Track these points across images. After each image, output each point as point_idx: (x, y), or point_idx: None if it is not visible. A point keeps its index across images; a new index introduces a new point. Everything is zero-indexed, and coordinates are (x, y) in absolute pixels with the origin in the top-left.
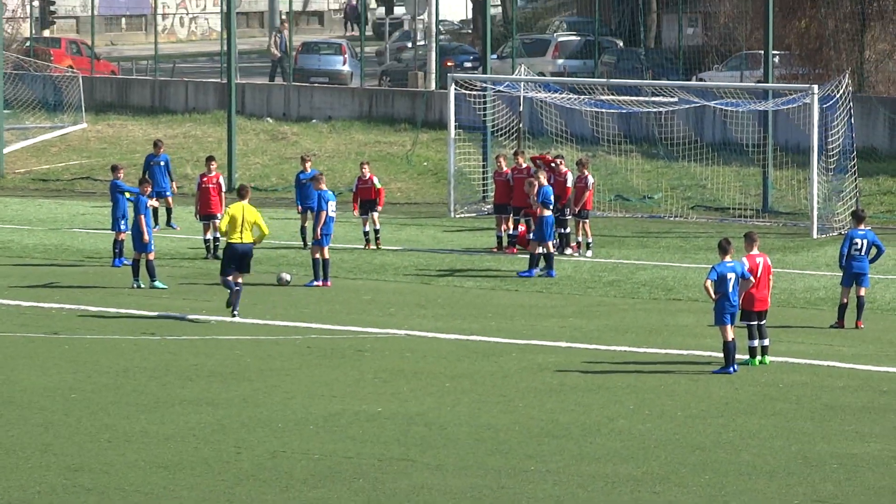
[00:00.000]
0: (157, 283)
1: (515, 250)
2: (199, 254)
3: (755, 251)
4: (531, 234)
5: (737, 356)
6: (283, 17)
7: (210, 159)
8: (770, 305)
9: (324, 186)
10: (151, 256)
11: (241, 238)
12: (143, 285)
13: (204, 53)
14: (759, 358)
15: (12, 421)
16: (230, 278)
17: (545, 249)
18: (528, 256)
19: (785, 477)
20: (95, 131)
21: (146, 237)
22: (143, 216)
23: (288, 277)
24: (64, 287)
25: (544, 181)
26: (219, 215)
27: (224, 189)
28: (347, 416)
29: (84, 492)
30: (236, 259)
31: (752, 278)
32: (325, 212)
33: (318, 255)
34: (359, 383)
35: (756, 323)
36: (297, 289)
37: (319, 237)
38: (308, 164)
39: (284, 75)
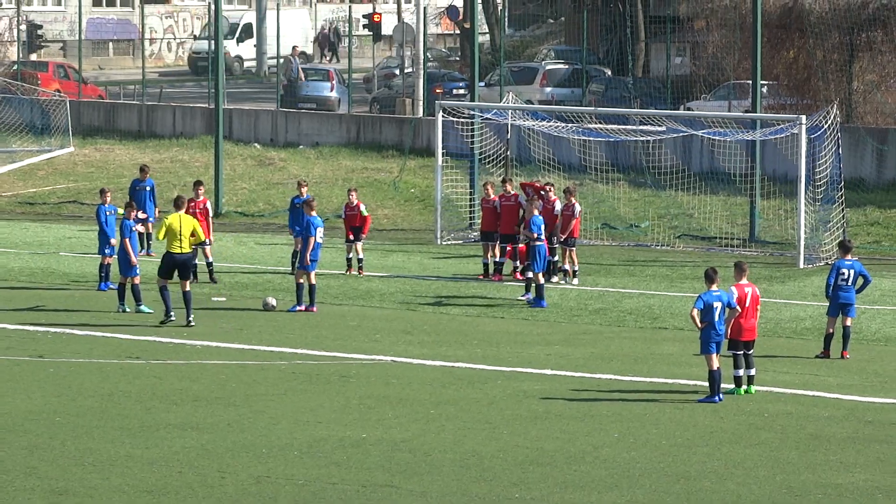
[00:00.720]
0: (142, 308)
1: (501, 278)
2: None
3: (744, 280)
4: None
5: (722, 385)
6: (295, 45)
7: (198, 184)
8: (757, 335)
9: (314, 213)
10: (137, 280)
11: (181, 248)
12: (128, 309)
13: (191, 79)
14: (744, 387)
15: None
16: (167, 289)
17: (535, 280)
18: (515, 283)
19: None
20: (83, 155)
21: (133, 260)
22: (128, 240)
23: (273, 302)
24: (49, 310)
25: (536, 211)
26: (206, 241)
27: (211, 214)
28: (332, 441)
29: None
30: (176, 267)
31: (738, 308)
32: (313, 237)
33: (301, 280)
34: (344, 409)
35: (743, 352)
36: (283, 314)
37: (308, 262)
38: (304, 189)
39: (293, 101)
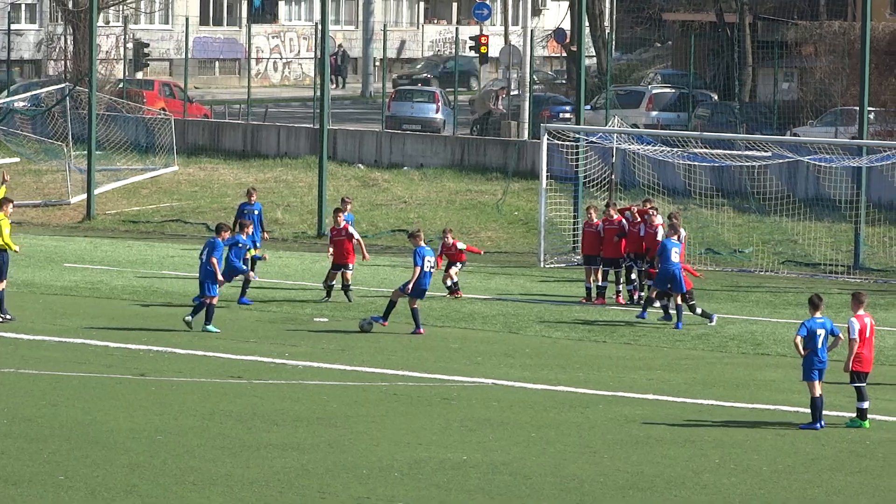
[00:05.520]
0: (209, 328)
1: (605, 301)
2: (288, 296)
3: (862, 311)
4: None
5: (846, 416)
6: (495, 87)
7: (337, 211)
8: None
9: (421, 242)
10: (215, 301)
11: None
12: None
13: (297, 98)
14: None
15: (98, 461)
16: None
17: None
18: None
19: None
20: (187, 174)
21: (220, 279)
22: (216, 260)
23: (371, 323)
24: (152, 329)
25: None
26: (350, 265)
27: (357, 237)
28: (433, 463)
29: None
30: None
31: (841, 335)
32: (419, 267)
33: (415, 305)
34: (445, 431)
35: (865, 384)
36: (385, 335)
37: (408, 290)
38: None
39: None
